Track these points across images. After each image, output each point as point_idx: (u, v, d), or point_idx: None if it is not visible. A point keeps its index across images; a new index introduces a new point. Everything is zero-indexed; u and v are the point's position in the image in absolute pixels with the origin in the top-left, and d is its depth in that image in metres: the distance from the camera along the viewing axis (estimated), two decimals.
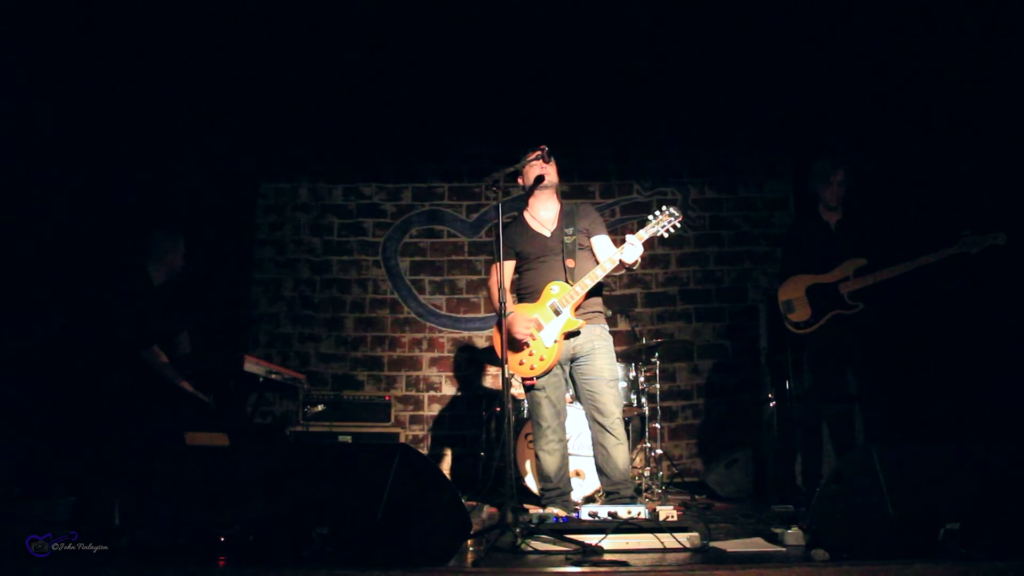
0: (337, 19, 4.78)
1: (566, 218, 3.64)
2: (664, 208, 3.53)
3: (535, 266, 3.62)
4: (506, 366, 3.11)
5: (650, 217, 3.52)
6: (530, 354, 3.48)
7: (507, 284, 3.64)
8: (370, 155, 6.19)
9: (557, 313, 3.48)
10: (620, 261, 3.43)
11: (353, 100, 5.69)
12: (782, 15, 4.71)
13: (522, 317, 3.48)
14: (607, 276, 3.54)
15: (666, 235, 3.54)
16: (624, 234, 3.51)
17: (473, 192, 6.18)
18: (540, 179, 3.57)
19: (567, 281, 3.52)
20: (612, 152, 6.16)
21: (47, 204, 4.47)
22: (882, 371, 3.75)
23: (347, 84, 5.49)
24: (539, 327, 3.48)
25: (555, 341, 3.47)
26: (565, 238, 3.57)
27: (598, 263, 3.54)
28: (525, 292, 3.65)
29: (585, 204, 3.80)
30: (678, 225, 3.52)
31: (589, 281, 3.47)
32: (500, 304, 3.18)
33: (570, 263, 3.55)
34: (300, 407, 4.99)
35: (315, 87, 5.49)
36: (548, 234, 3.64)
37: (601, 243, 3.63)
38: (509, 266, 3.70)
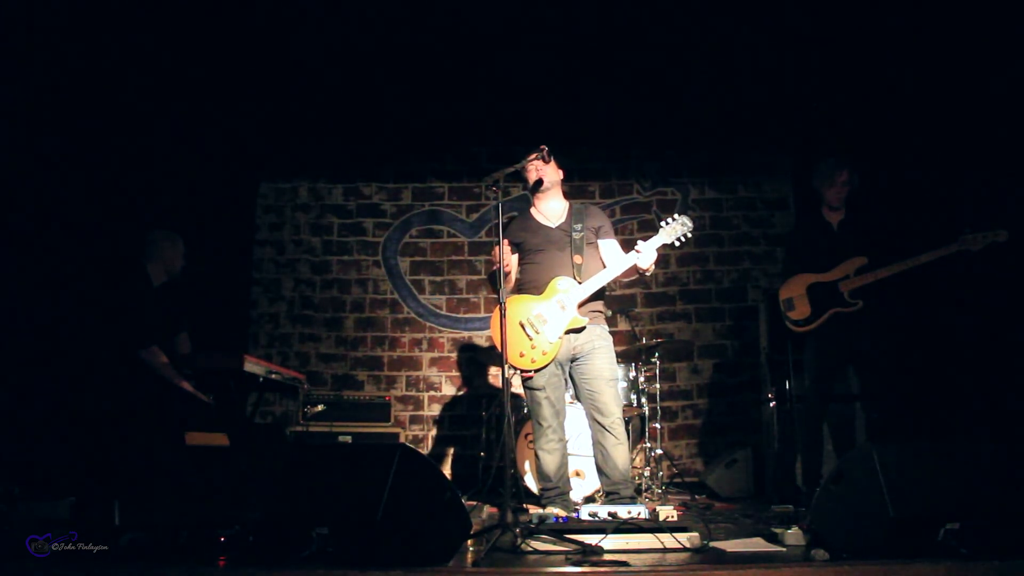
0: (337, 19, 4.77)
1: (575, 215, 3.67)
2: (676, 216, 3.56)
3: (538, 259, 3.62)
4: (506, 364, 3.11)
5: (662, 224, 3.55)
6: (532, 347, 3.48)
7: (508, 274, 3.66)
8: (370, 155, 6.18)
9: (563, 309, 3.49)
10: (635, 266, 3.46)
11: (353, 100, 5.68)
12: (782, 15, 4.71)
13: (531, 305, 3.50)
14: (613, 280, 3.56)
15: (677, 244, 3.56)
16: (624, 234, 3.52)
17: (473, 192, 6.18)
18: (540, 183, 3.62)
19: (574, 277, 3.53)
20: (612, 152, 6.16)
21: (47, 205, 4.47)
22: (883, 369, 3.75)
23: (347, 84, 5.49)
24: (544, 321, 3.49)
25: (558, 337, 3.48)
26: (574, 234, 3.59)
27: (605, 265, 3.57)
28: (527, 287, 3.64)
29: (594, 206, 3.84)
30: (689, 235, 3.55)
31: (599, 281, 3.51)
32: (500, 304, 3.17)
33: (578, 259, 3.56)
34: (300, 407, 4.99)
35: (315, 87, 5.49)
36: (553, 226, 3.65)
37: (609, 247, 3.66)
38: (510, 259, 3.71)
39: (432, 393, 5.88)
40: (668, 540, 2.73)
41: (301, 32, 4.89)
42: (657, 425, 4.82)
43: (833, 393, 3.95)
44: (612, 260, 3.58)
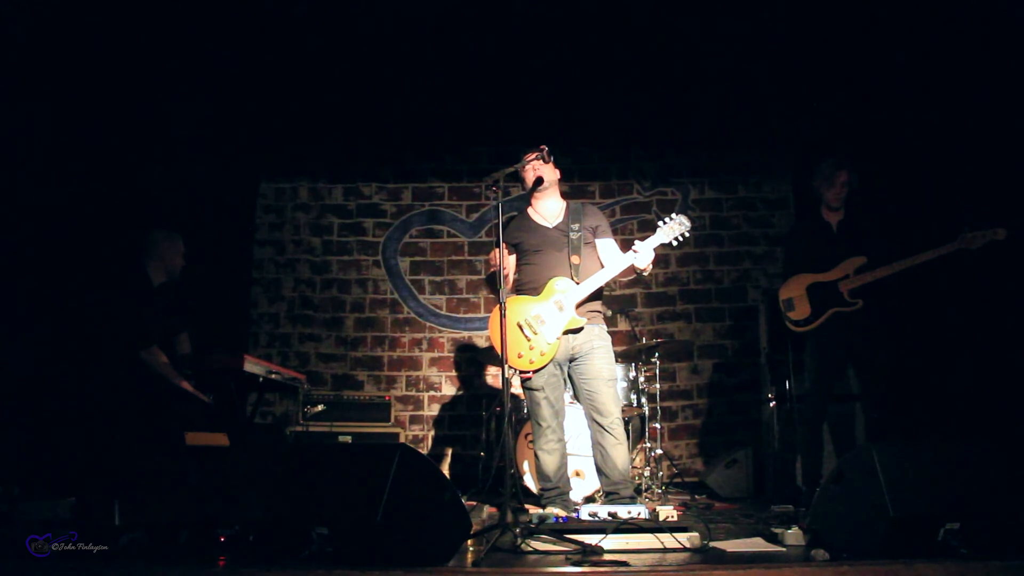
0: (337, 19, 4.77)
1: (572, 215, 3.66)
2: (674, 216, 3.56)
3: (535, 260, 3.62)
4: (506, 365, 3.11)
5: (660, 224, 3.55)
6: (531, 348, 3.48)
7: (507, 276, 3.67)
8: (370, 155, 6.19)
9: (561, 309, 3.49)
10: (632, 266, 3.46)
11: (353, 100, 5.68)
12: (781, 15, 4.71)
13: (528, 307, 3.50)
14: (612, 280, 3.56)
15: (675, 243, 3.56)
16: (623, 234, 3.53)
17: (473, 192, 6.18)
18: (539, 181, 3.61)
19: (572, 278, 3.53)
20: (612, 152, 6.16)
21: (47, 204, 4.47)
22: (883, 369, 3.75)
23: (347, 84, 5.49)
24: (542, 321, 3.49)
25: (556, 337, 3.48)
26: (571, 234, 3.59)
27: (603, 265, 3.56)
28: (525, 287, 3.64)
29: (591, 205, 3.83)
30: (687, 234, 3.55)
31: (596, 282, 3.50)
32: (500, 305, 3.17)
33: (575, 259, 3.56)
34: (300, 407, 4.99)
35: (315, 87, 5.49)
36: (550, 226, 3.65)
37: (607, 247, 3.65)
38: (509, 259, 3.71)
39: (432, 393, 5.88)
40: (668, 540, 2.73)
41: (301, 32, 4.89)
42: (657, 425, 4.83)
43: (833, 393, 3.95)
44: (610, 260, 3.58)
